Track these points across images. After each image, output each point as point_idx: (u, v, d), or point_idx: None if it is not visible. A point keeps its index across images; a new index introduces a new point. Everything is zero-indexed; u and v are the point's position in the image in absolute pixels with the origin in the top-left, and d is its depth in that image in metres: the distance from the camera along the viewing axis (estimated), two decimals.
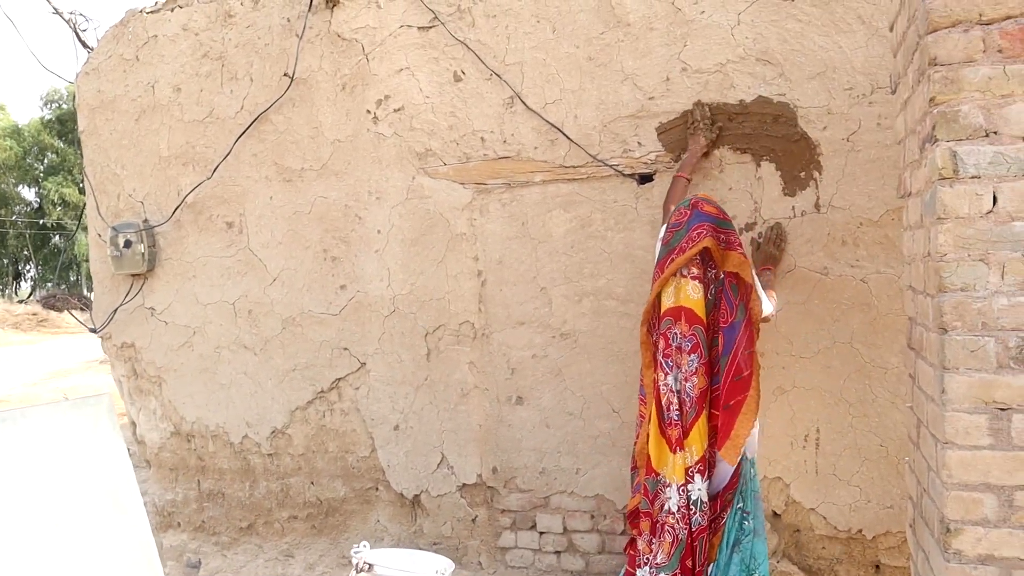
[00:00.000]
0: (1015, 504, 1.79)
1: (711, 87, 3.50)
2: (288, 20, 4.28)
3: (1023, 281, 1.78)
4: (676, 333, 2.83)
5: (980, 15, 1.78)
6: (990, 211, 1.79)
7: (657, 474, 2.86)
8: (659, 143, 3.62)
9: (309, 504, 4.47)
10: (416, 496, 4.19)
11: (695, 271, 2.82)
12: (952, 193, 1.81)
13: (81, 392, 11.57)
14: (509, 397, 3.98)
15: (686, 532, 2.78)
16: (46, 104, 38.51)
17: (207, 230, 4.56)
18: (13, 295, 39.77)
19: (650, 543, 2.86)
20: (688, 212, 2.87)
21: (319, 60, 4.22)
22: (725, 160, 3.52)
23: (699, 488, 2.79)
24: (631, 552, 3.03)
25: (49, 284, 40.23)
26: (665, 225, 3.09)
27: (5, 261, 40.64)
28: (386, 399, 4.21)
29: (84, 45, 5.06)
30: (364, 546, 2.89)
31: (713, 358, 2.84)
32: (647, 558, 2.86)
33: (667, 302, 2.87)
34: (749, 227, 3.49)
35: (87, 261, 5.13)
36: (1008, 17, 1.77)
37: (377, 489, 4.30)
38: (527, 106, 3.80)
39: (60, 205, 37.01)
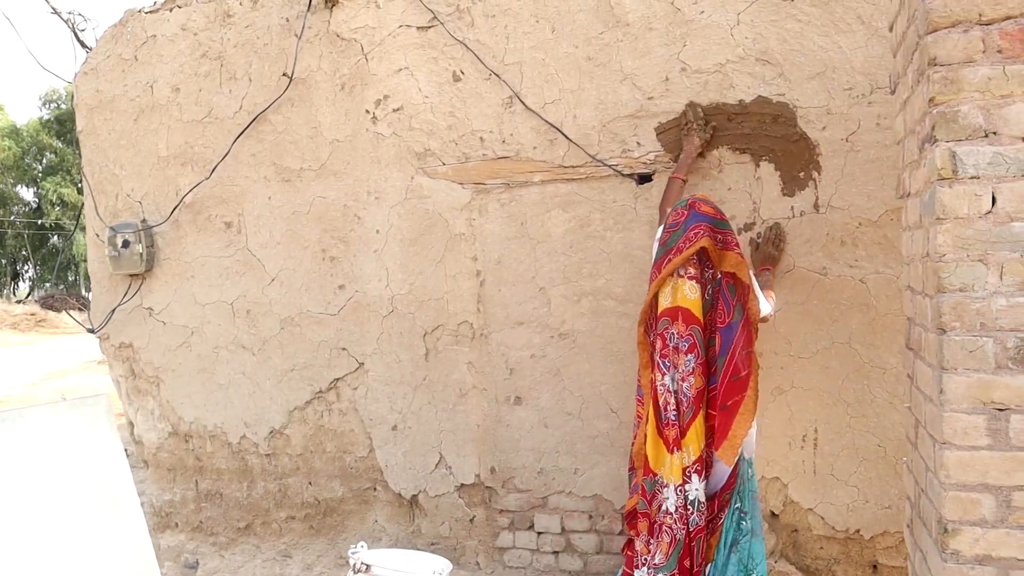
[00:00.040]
0: (1013, 504, 1.79)
1: (710, 87, 3.50)
2: (287, 20, 4.28)
3: (1022, 282, 1.78)
4: (673, 333, 2.83)
5: (980, 15, 1.78)
6: (989, 211, 1.79)
7: (655, 474, 2.85)
8: (658, 143, 3.62)
9: (307, 504, 4.47)
10: (414, 496, 4.19)
11: (692, 271, 2.82)
12: (951, 193, 1.81)
13: (79, 392, 11.55)
14: (507, 397, 3.98)
15: (684, 532, 2.78)
16: (45, 104, 38.51)
17: (205, 230, 4.56)
18: (11, 295, 39.74)
19: (648, 544, 2.86)
20: (685, 212, 2.87)
21: (318, 60, 4.22)
22: (724, 160, 3.52)
23: (696, 488, 2.79)
24: (629, 553, 3.03)
25: (47, 284, 40.21)
26: (662, 226, 3.08)
27: (3, 261, 40.60)
28: (384, 399, 4.21)
29: (83, 45, 5.05)
30: (361, 547, 2.88)
31: (710, 358, 2.84)
32: (645, 559, 2.86)
33: (664, 302, 2.87)
34: (748, 227, 3.49)
35: (85, 261, 5.12)
36: (1008, 17, 1.77)
37: (375, 489, 4.30)
38: (526, 106, 3.80)
39: (59, 205, 36.99)
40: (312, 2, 4.17)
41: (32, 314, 27.74)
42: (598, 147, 3.70)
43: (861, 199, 3.31)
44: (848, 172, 3.32)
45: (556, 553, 3.93)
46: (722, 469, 2.86)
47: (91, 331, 4.99)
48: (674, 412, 2.82)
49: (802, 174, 3.40)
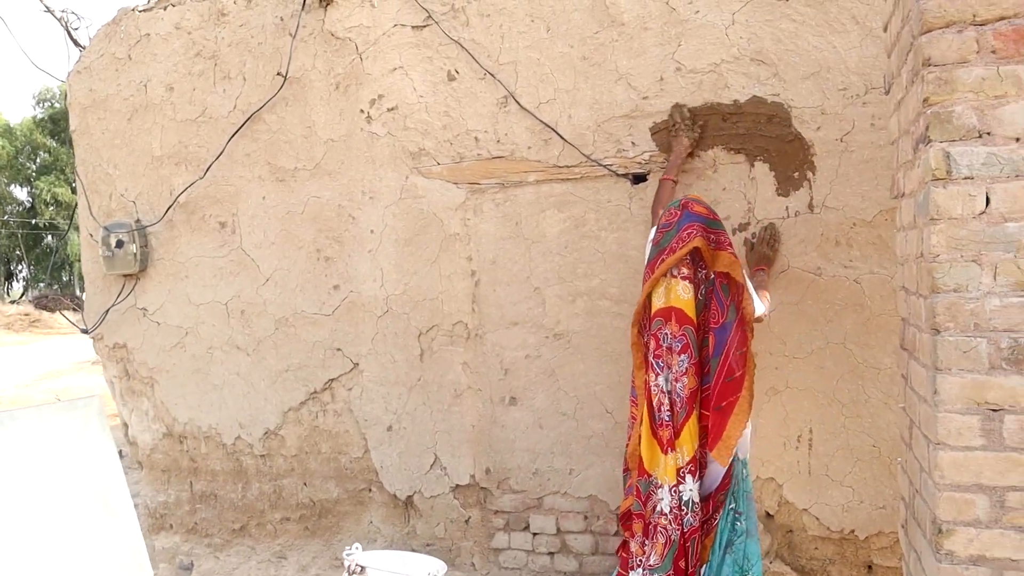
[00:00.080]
0: (1007, 505, 1.79)
1: (705, 87, 3.50)
2: (281, 19, 4.27)
3: (1016, 282, 1.78)
4: (667, 333, 2.83)
5: (974, 16, 1.78)
6: (983, 212, 1.79)
7: (649, 475, 2.85)
8: (653, 143, 3.61)
9: (302, 505, 4.46)
10: (409, 497, 4.18)
11: (685, 271, 2.82)
12: (945, 194, 1.81)
13: (73, 393, 11.52)
14: (502, 398, 3.97)
15: (678, 533, 2.78)
16: (39, 103, 38.42)
17: (200, 230, 4.55)
18: (5, 295, 39.62)
19: (643, 545, 2.86)
20: (678, 212, 2.87)
21: (312, 59, 4.21)
22: (719, 160, 3.52)
23: (690, 489, 2.78)
24: (623, 554, 3.02)
25: (41, 284, 40.10)
26: (655, 226, 3.08)
27: None
28: (379, 400, 4.20)
29: (76, 44, 5.03)
30: (356, 548, 2.88)
31: (703, 358, 2.84)
32: (640, 560, 2.85)
33: (657, 303, 2.87)
34: (743, 227, 3.49)
35: (80, 261, 5.10)
36: (1002, 18, 1.77)
37: (370, 490, 4.29)
38: (521, 106, 3.80)
39: (53, 205, 36.91)
40: (306, 1, 4.16)
41: (26, 314, 27.66)
42: (593, 147, 3.70)
43: (855, 199, 3.31)
44: (842, 172, 3.32)
45: (551, 554, 3.92)
46: (716, 470, 2.86)
47: (85, 331, 4.97)
48: (668, 413, 2.81)
49: (797, 174, 3.40)
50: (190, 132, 4.52)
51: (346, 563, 2.82)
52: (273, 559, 4.50)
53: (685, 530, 2.78)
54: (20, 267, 42.48)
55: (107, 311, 4.79)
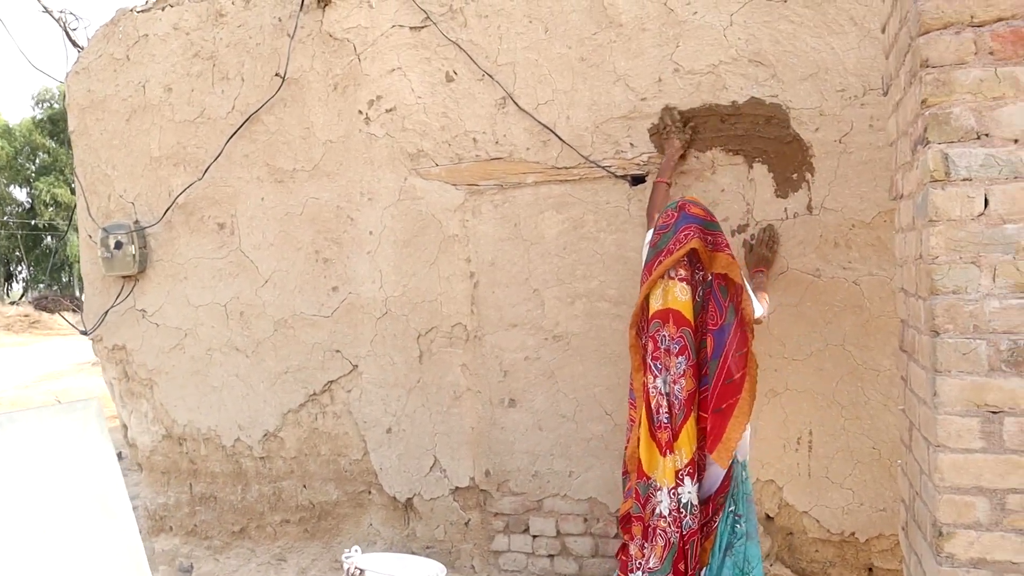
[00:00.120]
0: (1007, 507, 1.78)
1: (703, 88, 3.49)
2: (279, 20, 4.26)
3: (1015, 284, 1.77)
4: (664, 335, 2.82)
5: (972, 17, 1.78)
6: (982, 213, 1.78)
7: (648, 478, 2.84)
8: (651, 144, 3.61)
9: (301, 508, 4.45)
10: (409, 499, 4.18)
11: (683, 273, 2.81)
12: (944, 195, 1.81)
13: (73, 395, 11.52)
14: (502, 400, 3.97)
15: (677, 535, 2.77)
16: (38, 104, 38.42)
17: (198, 231, 4.54)
18: (5, 296, 39.61)
19: (642, 547, 2.85)
20: (675, 214, 2.86)
21: (311, 60, 4.20)
22: (717, 162, 3.51)
23: (689, 491, 2.78)
24: (623, 558, 3.01)
25: (41, 285, 40.09)
26: (652, 229, 3.08)
27: None
28: (378, 402, 4.19)
29: (74, 44, 5.03)
30: (355, 551, 2.87)
31: (701, 360, 2.83)
32: (639, 563, 2.85)
33: (655, 304, 2.86)
34: (741, 229, 3.49)
35: (79, 262, 5.10)
36: (999, 19, 1.76)
37: (370, 492, 4.28)
38: (519, 107, 3.79)
39: (52, 205, 36.91)
40: (305, 2, 4.15)
41: (26, 315, 27.66)
42: (591, 148, 3.69)
43: (854, 201, 3.31)
44: (841, 174, 3.32)
45: (551, 556, 3.92)
46: (716, 472, 2.86)
47: (84, 333, 4.97)
48: (666, 415, 2.81)
49: (795, 176, 3.40)
50: (188, 133, 4.52)
51: (345, 566, 2.82)
52: (273, 561, 4.50)
53: (684, 532, 2.77)
54: (20, 268, 42.48)
55: (106, 312, 4.78)
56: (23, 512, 2.45)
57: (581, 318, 3.78)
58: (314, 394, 4.33)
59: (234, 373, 4.51)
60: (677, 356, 2.79)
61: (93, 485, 2.57)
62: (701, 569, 2.83)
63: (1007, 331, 1.77)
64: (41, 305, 29.69)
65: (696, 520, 2.79)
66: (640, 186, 3.65)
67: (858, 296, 3.33)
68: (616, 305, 3.70)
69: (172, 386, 4.68)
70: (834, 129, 3.31)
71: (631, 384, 3.07)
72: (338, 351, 4.25)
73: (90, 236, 4.82)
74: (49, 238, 38.94)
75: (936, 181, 1.81)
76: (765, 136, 3.43)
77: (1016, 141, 1.76)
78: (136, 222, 4.64)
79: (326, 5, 4.13)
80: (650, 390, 2.84)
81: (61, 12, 5.04)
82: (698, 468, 2.83)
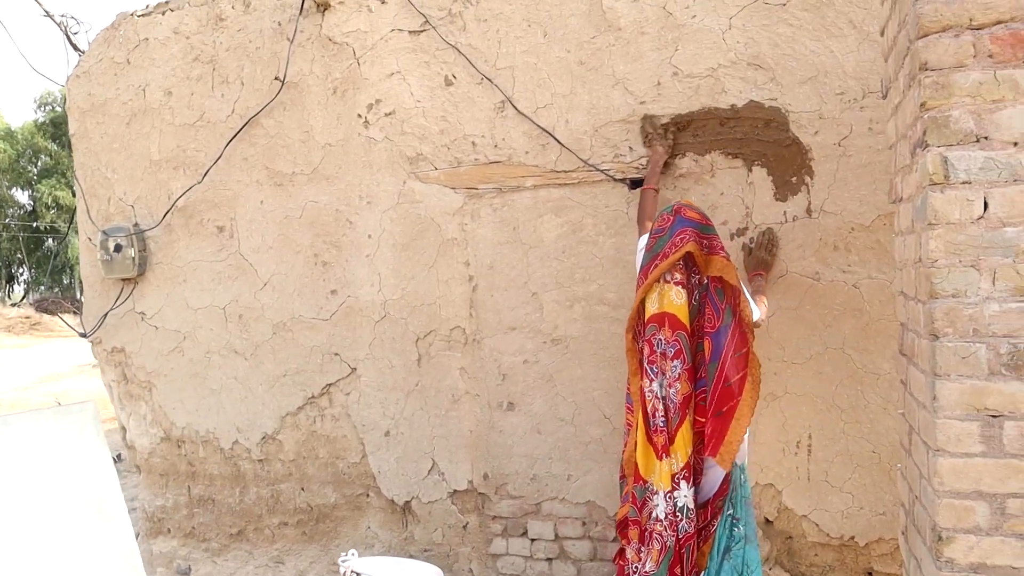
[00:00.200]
0: (1007, 512, 1.77)
1: (702, 91, 3.49)
2: (279, 24, 4.26)
3: (1015, 287, 1.76)
4: (660, 339, 2.81)
5: (971, 20, 1.77)
6: (981, 217, 1.78)
7: (645, 482, 2.84)
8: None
9: (300, 510, 4.44)
10: (407, 503, 4.17)
11: (678, 276, 2.81)
12: (943, 199, 1.80)
13: (73, 396, 11.53)
14: (500, 403, 3.96)
15: (673, 539, 2.76)
16: (40, 107, 38.48)
17: (198, 234, 4.54)
18: (6, 298, 39.64)
19: (639, 551, 2.84)
20: (671, 218, 2.85)
21: (310, 64, 4.20)
22: (716, 165, 3.51)
23: (685, 495, 2.77)
24: (620, 562, 3.00)
25: (42, 287, 40.11)
26: (645, 235, 3.08)
27: None
28: (377, 405, 4.18)
29: (75, 48, 5.03)
30: (352, 554, 2.86)
31: (697, 363, 2.82)
32: (636, 567, 2.84)
33: (651, 308, 2.85)
34: (740, 232, 3.48)
35: (80, 264, 5.11)
36: (999, 22, 1.76)
37: (368, 495, 4.27)
38: (518, 110, 3.79)
39: (54, 208, 36.95)
40: (304, 6, 4.15)
41: (27, 317, 27.69)
42: (590, 152, 3.69)
43: (854, 204, 3.30)
44: (840, 177, 3.31)
45: (549, 560, 3.91)
46: (714, 476, 2.85)
47: (83, 335, 4.97)
48: (662, 418, 2.80)
49: (794, 179, 3.39)
50: (188, 136, 4.52)
51: (342, 569, 2.81)
52: (271, 564, 4.49)
53: (680, 536, 2.76)
54: (21, 270, 42.51)
55: (105, 315, 4.78)
56: (19, 514, 2.44)
57: (580, 322, 3.78)
58: (312, 397, 4.32)
59: (233, 376, 4.50)
60: (673, 360, 2.79)
61: (89, 488, 2.56)
62: (699, 573, 2.82)
63: (1007, 335, 1.76)
64: (42, 307, 29.70)
65: (692, 524, 2.78)
66: (639, 189, 3.64)
67: (857, 299, 3.32)
68: (615, 309, 3.69)
69: (171, 388, 4.67)
70: (833, 132, 3.31)
71: (628, 388, 3.06)
72: (337, 354, 4.25)
73: (90, 239, 4.82)
74: (50, 240, 38.97)
75: (935, 184, 1.80)
76: (764, 139, 3.43)
77: (1015, 144, 1.75)
78: (136, 225, 4.64)
79: (325, 9, 4.13)
80: (646, 394, 2.83)
81: (62, 16, 5.05)
82: (695, 472, 2.82)
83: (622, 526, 2.99)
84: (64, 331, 23.54)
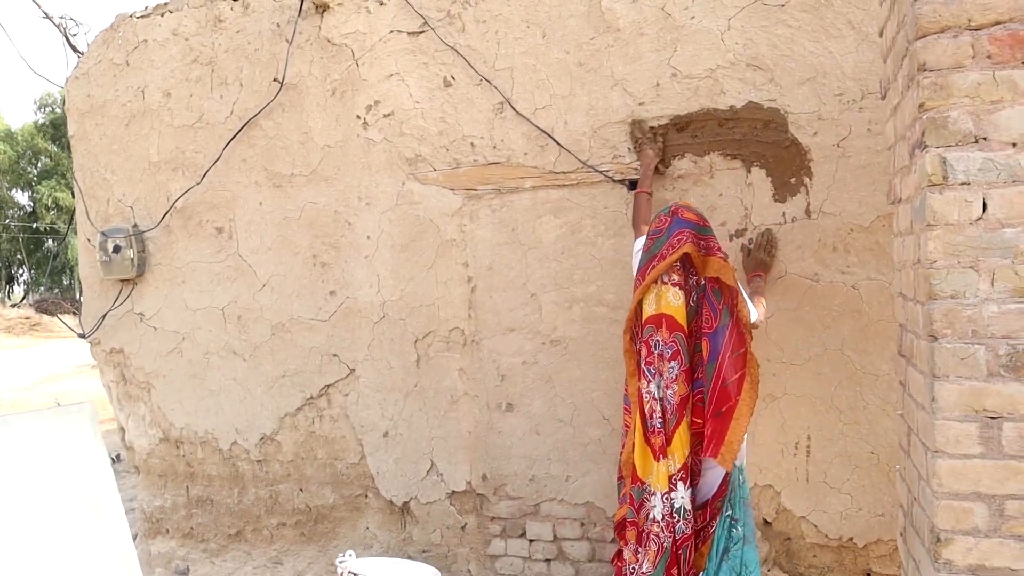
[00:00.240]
0: (1006, 514, 1.77)
1: (701, 93, 3.49)
2: (278, 25, 4.26)
3: (1013, 288, 1.76)
4: (658, 340, 2.81)
5: (969, 21, 1.77)
6: (980, 218, 1.77)
7: (643, 483, 2.83)
8: None
9: (298, 511, 4.44)
10: (405, 503, 4.16)
11: (676, 277, 2.80)
12: (942, 200, 1.79)
13: (72, 397, 11.53)
14: (499, 404, 3.95)
15: (670, 541, 2.76)
16: (40, 108, 38.48)
17: (196, 235, 4.54)
18: (6, 299, 39.65)
19: (636, 552, 2.84)
20: (668, 219, 2.85)
21: (309, 65, 4.20)
22: (715, 166, 3.51)
23: (682, 496, 2.76)
24: (618, 564, 3.00)
25: (42, 288, 40.09)
26: (641, 237, 3.08)
27: None
28: (376, 406, 4.18)
29: (74, 50, 5.03)
30: (349, 555, 2.86)
31: (695, 364, 2.81)
32: (633, 567, 2.83)
33: (648, 309, 2.85)
34: (739, 233, 3.48)
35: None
36: (997, 23, 1.75)
37: (366, 496, 4.27)
38: (517, 112, 3.79)
39: (53, 209, 36.95)
40: (303, 7, 4.15)
41: (27, 318, 27.69)
42: (589, 153, 3.69)
43: (853, 205, 3.30)
44: (839, 178, 3.31)
45: (548, 561, 3.90)
46: (712, 477, 2.84)
47: (82, 336, 4.96)
48: (660, 420, 2.79)
49: (793, 180, 3.39)
50: (187, 138, 4.51)
51: (339, 570, 2.81)
52: (269, 564, 4.48)
53: (677, 538, 2.76)
54: (21, 271, 42.50)
55: (104, 316, 4.77)
56: (16, 515, 2.44)
57: (578, 322, 3.77)
58: (311, 398, 4.32)
59: (231, 377, 4.50)
60: (670, 361, 2.78)
61: (86, 488, 2.56)
62: (697, 574, 2.81)
63: (1006, 336, 1.76)
64: (42, 308, 29.69)
65: (690, 525, 2.77)
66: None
67: (856, 300, 3.32)
68: (614, 310, 3.69)
69: (169, 389, 4.67)
70: (832, 133, 3.31)
71: (625, 389, 3.05)
72: (335, 355, 4.24)
73: (89, 240, 4.81)
74: (50, 241, 38.96)
75: (934, 185, 1.80)
76: (763, 140, 3.42)
77: (1014, 145, 1.75)
78: (134, 226, 4.64)
79: (324, 11, 4.13)
80: (644, 395, 2.83)
81: (61, 18, 5.05)
82: (692, 473, 2.81)
83: (620, 527, 2.99)
84: (64, 332, 23.54)
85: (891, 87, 2.28)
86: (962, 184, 1.78)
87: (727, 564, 2.81)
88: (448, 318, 4.00)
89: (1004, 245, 1.76)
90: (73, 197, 5.18)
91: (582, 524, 3.84)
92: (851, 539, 3.40)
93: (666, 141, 3.57)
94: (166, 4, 4.55)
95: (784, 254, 3.41)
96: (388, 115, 4.05)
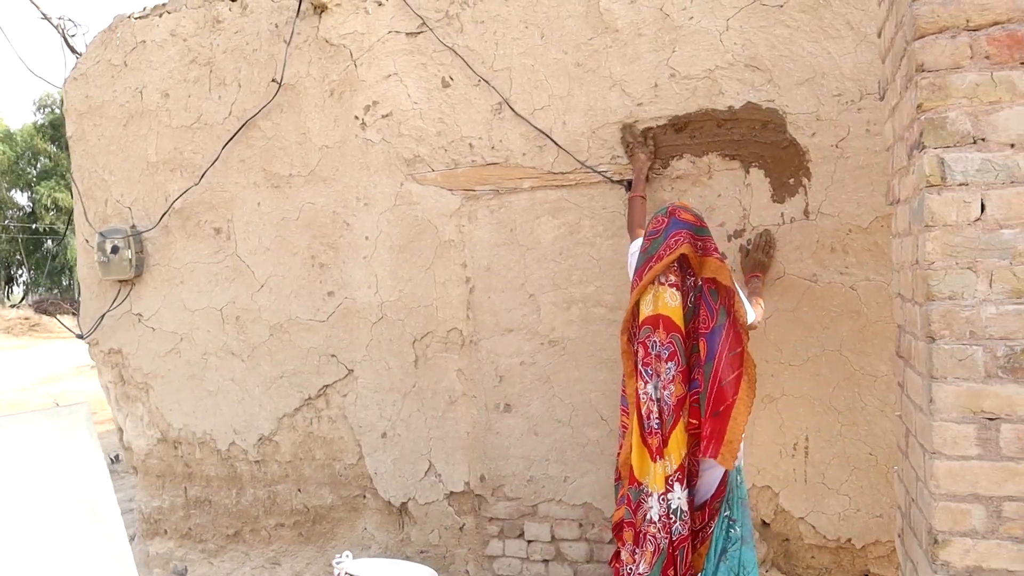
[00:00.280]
0: (1003, 515, 1.76)
1: (699, 93, 3.48)
2: (276, 26, 4.26)
3: (1011, 289, 1.75)
4: (655, 341, 2.80)
5: (967, 21, 1.77)
6: (978, 219, 1.77)
7: (640, 484, 2.83)
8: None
9: (296, 512, 4.43)
10: (403, 504, 4.16)
11: (673, 278, 2.80)
12: (940, 200, 1.79)
13: (71, 397, 11.52)
14: (497, 404, 3.95)
15: (667, 542, 2.75)
16: (39, 108, 38.47)
17: (195, 236, 4.53)
18: (5, 300, 39.64)
19: (633, 553, 2.83)
20: (665, 220, 2.84)
21: (307, 66, 4.20)
22: (714, 167, 3.50)
23: (679, 497, 2.75)
24: (616, 565, 2.99)
25: (42, 289, 40.08)
26: (637, 240, 3.08)
27: None
28: (374, 406, 4.18)
29: (73, 51, 5.02)
30: (346, 556, 2.85)
31: (692, 365, 2.80)
32: (630, 568, 2.83)
33: (646, 310, 2.84)
34: (738, 234, 3.48)
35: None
36: (995, 23, 1.75)
37: (364, 497, 4.26)
38: (515, 112, 3.78)
39: (53, 210, 36.94)
40: (301, 8, 4.15)
41: (26, 318, 27.69)
42: (587, 153, 3.69)
43: (851, 205, 3.30)
44: (838, 178, 3.31)
45: (546, 562, 3.90)
46: (711, 478, 2.84)
47: (80, 337, 4.96)
48: (657, 420, 2.79)
49: (792, 180, 3.39)
50: (185, 138, 4.51)
51: (335, 572, 2.80)
52: (267, 565, 4.48)
53: (673, 539, 2.75)
54: (20, 271, 42.48)
55: (102, 316, 4.77)
56: (11, 516, 2.43)
57: (577, 323, 3.77)
58: (309, 398, 4.31)
59: (229, 377, 4.49)
60: (667, 361, 2.78)
61: (82, 489, 2.55)
62: (695, 575, 2.81)
63: (1004, 337, 1.76)
64: (41, 308, 29.69)
65: (686, 526, 2.76)
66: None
67: (855, 301, 3.32)
68: (612, 310, 3.69)
69: (167, 390, 4.66)
70: (831, 134, 3.30)
71: (623, 390, 3.05)
72: (334, 356, 4.24)
73: (87, 240, 4.81)
74: (49, 242, 38.95)
75: (932, 186, 1.79)
76: (762, 141, 3.42)
77: (1012, 145, 1.74)
78: (133, 227, 4.63)
79: (322, 12, 4.12)
80: (641, 396, 2.82)
81: (60, 19, 5.04)
82: (689, 474, 2.80)
83: (618, 528, 2.99)
84: (63, 332, 23.54)
85: (889, 88, 2.27)
86: (960, 185, 1.77)
87: (725, 565, 2.81)
88: (446, 319, 4.00)
89: (1002, 246, 1.75)
90: (72, 198, 5.17)
91: (580, 525, 3.83)
92: (849, 540, 3.40)
93: (658, 143, 3.57)
94: (164, 5, 4.54)
95: (782, 255, 3.40)
96: (386, 116, 4.04)
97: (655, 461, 2.77)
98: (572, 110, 3.70)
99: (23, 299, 39.09)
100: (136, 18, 4.64)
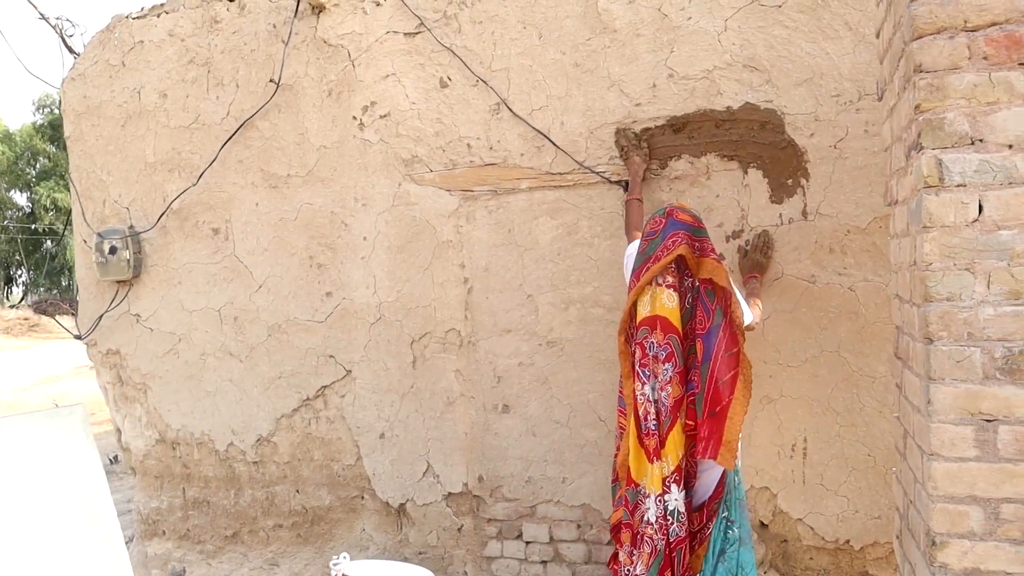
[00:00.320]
0: (1001, 517, 1.76)
1: (698, 94, 3.48)
2: (274, 26, 4.25)
3: (1009, 291, 1.75)
4: (652, 342, 2.80)
5: (965, 22, 1.76)
6: (976, 220, 1.76)
7: (637, 485, 2.82)
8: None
9: (294, 512, 4.43)
10: (402, 505, 4.15)
11: (670, 279, 2.79)
12: (938, 201, 1.79)
13: (70, 398, 11.52)
14: (495, 405, 3.94)
15: (664, 543, 2.74)
16: (38, 109, 38.45)
17: (193, 236, 4.53)
18: (5, 300, 39.63)
19: (631, 554, 2.83)
20: (663, 221, 2.84)
21: (305, 66, 4.19)
22: (712, 167, 3.50)
23: (676, 498, 2.75)
24: (614, 567, 2.99)
25: (41, 289, 40.07)
26: (634, 242, 3.07)
27: None
28: (372, 407, 4.17)
29: (70, 51, 5.02)
30: (344, 558, 2.85)
31: (689, 366, 2.80)
32: (627, 569, 2.82)
33: (643, 311, 2.84)
34: (736, 235, 3.47)
35: None
36: (993, 24, 1.75)
37: (363, 498, 4.26)
38: (513, 112, 3.78)
39: (52, 210, 36.93)
40: (299, 8, 4.14)
41: (25, 319, 27.68)
42: (585, 154, 3.68)
43: (849, 206, 3.29)
44: (836, 179, 3.30)
45: (544, 563, 3.89)
46: (709, 479, 2.83)
47: (78, 337, 4.95)
48: (654, 422, 2.78)
49: (790, 181, 3.38)
50: (183, 139, 4.50)
51: (333, 573, 2.80)
52: (265, 566, 4.47)
53: (670, 540, 2.74)
54: (20, 272, 42.47)
55: (100, 317, 4.76)
56: (7, 517, 2.42)
57: (575, 324, 3.76)
58: (307, 399, 4.31)
59: (228, 378, 4.49)
60: (664, 363, 2.77)
61: (78, 490, 2.55)
62: None
63: (1001, 338, 1.75)
64: (40, 309, 29.67)
65: (683, 528, 2.76)
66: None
67: (853, 302, 3.31)
68: (610, 311, 3.68)
69: (166, 391, 4.66)
70: (829, 134, 3.30)
71: (620, 391, 3.04)
72: (332, 356, 4.23)
73: (85, 241, 4.80)
74: (49, 242, 38.94)
75: (930, 187, 1.79)
76: (760, 141, 3.41)
77: (1010, 146, 1.74)
78: (131, 227, 4.63)
79: (320, 12, 4.12)
80: (638, 397, 2.82)
81: (57, 19, 5.04)
82: (687, 475, 2.80)
83: (616, 529, 2.98)
84: (62, 333, 23.52)
85: (887, 88, 2.27)
86: (958, 186, 1.77)
87: (723, 566, 2.80)
88: (444, 319, 3.99)
89: (1000, 247, 1.75)
90: (71, 198, 5.16)
91: (578, 526, 3.83)
92: (847, 541, 3.39)
93: (656, 143, 3.56)
94: (162, 5, 4.54)
95: (781, 256, 3.40)
96: (384, 116, 4.04)
97: (652, 462, 2.77)
98: (570, 110, 3.70)
99: (22, 299, 39.07)
100: (134, 18, 4.63)
